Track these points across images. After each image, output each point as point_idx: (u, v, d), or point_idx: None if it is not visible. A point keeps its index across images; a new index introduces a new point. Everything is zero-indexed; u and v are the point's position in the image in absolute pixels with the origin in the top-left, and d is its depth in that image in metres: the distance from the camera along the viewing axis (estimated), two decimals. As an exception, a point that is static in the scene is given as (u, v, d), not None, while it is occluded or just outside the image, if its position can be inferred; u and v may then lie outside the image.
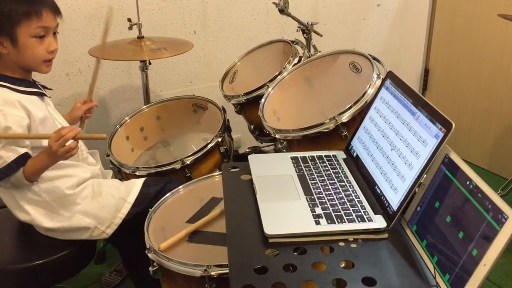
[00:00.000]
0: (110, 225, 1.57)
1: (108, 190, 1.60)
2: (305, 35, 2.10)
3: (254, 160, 1.23)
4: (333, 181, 1.14)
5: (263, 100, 1.80)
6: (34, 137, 1.44)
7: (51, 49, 1.43)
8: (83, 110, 1.69)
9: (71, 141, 1.38)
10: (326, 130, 1.52)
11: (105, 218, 1.56)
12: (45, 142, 1.42)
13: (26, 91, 1.44)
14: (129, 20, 2.07)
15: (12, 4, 1.34)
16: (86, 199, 1.55)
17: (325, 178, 1.15)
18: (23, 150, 1.40)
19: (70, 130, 1.38)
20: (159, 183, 1.64)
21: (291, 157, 1.25)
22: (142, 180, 1.67)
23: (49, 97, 1.55)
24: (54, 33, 1.45)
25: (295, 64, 1.89)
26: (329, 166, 1.21)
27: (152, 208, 1.46)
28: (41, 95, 1.50)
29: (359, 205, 1.05)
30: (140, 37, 2.05)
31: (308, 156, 1.26)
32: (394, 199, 1.00)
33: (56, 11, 1.43)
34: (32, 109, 1.41)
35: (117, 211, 1.58)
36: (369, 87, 1.53)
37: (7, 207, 1.54)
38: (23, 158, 1.40)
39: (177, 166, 1.73)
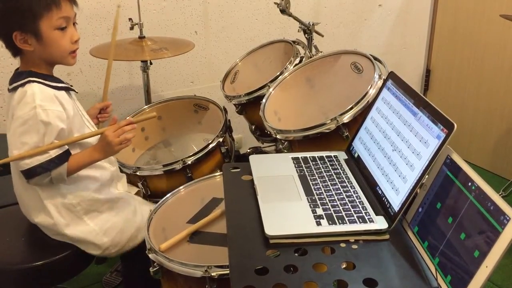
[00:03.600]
0: (120, 249, 1.59)
1: (129, 215, 1.60)
2: (306, 35, 2.10)
3: (255, 160, 1.23)
4: (334, 182, 1.14)
5: (264, 100, 1.80)
6: (89, 136, 1.46)
7: (75, 39, 1.42)
8: (97, 109, 1.69)
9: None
10: (327, 131, 1.51)
11: (119, 242, 1.57)
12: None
13: (57, 86, 1.43)
14: (131, 20, 2.07)
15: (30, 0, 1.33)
16: (109, 212, 1.55)
17: (326, 178, 1.15)
18: (65, 147, 1.41)
19: (126, 121, 1.44)
20: None
21: (292, 158, 1.25)
22: None
23: (77, 92, 1.54)
24: (73, 24, 1.44)
25: (296, 65, 1.89)
26: (330, 167, 1.21)
27: (153, 209, 1.45)
28: (68, 90, 1.48)
29: (360, 206, 1.04)
30: (142, 37, 2.05)
31: (309, 156, 1.26)
32: (396, 200, 1.00)
33: (73, 1, 1.42)
34: (65, 104, 1.41)
35: (130, 240, 1.59)
36: (370, 88, 1.53)
37: (8, 208, 1.54)
38: (66, 154, 1.41)
39: (178, 166, 1.73)
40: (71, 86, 1.51)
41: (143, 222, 1.61)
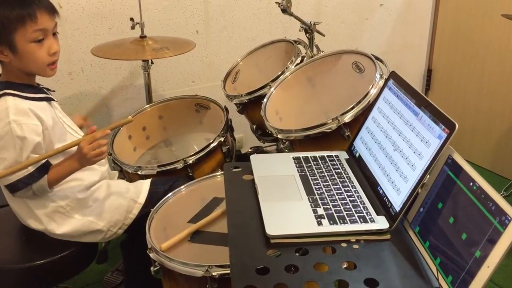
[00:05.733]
0: (122, 226, 1.59)
1: (118, 192, 1.60)
2: (307, 35, 2.10)
3: (256, 160, 1.23)
4: (335, 182, 1.14)
5: (265, 100, 1.80)
6: (65, 148, 1.42)
7: (53, 51, 1.39)
8: (79, 121, 1.67)
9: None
10: (328, 130, 1.51)
11: (117, 220, 1.57)
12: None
13: (35, 97, 1.41)
14: (132, 19, 2.06)
15: (4, 11, 1.29)
16: (97, 201, 1.55)
17: (327, 178, 1.15)
18: (44, 160, 1.39)
19: (101, 133, 1.40)
20: (167, 181, 1.65)
21: (293, 157, 1.25)
22: (149, 180, 1.68)
23: (56, 101, 1.52)
24: (54, 34, 1.40)
25: (297, 64, 1.89)
26: (331, 167, 1.20)
27: (154, 208, 1.45)
28: (49, 100, 1.47)
29: (361, 206, 1.04)
30: (143, 37, 2.05)
31: (310, 156, 1.25)
32: (397, 200, 0.99)
33: (52, 11, 1.37)
34: (43, 116, 1.39)
35: (128, 213, 1.59)
36: (371, 87, 1.53)
37: (8, 207, 1.54)
38: (45, 167, 1.40)
39: (179, 165, 1.73)
40: (51, 93, 1.50)
41: (137, 191, 1.62)
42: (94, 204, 1.55)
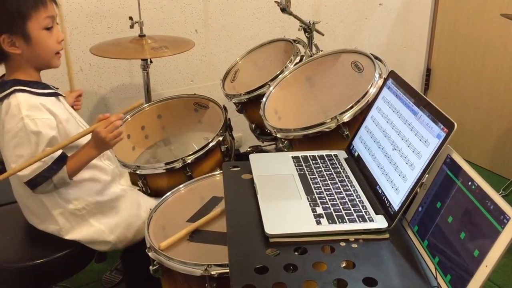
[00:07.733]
0: (128, 243, 1.60)
1: (134, 209, 1.61)
2: (307, 34, 2.10)
3: (255, 159, 1.23)
4: (334, 181, 1.14)
5: (264, 99, 1.80)
6: (80, 137, 1.41)
7: (60, 39, 1.42)
8: (73, 97, 1.66)
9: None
10: (327, 130, 1.51)
11: (126, 237, 1.58)
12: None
13: (45, 93, 1.41)
14: (131, 18, 2.06)
15: (19, 0, 1.32)
16: (113, 210, 1.56)
17: (326, 177, 1.15)
18: (59, 152, 1.39)
19: (115, 116, 1.42)
20: None
21: (292, 157, 1.25)
22: None
23: (64, 96, 1.53)
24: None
25: (296, 63, 1.89)
26: (330, 166, 1.20)
27: (153, 207, 1.45)
28: (57, 95, 1.47)
29: (360, 205, 1.04)
30: (142, 36, 2.05)
31: (309, 155, 1.25)
32: (396, 199, 1.00)
33: (55, 1, 1.42)
34: (55, 110, 1.40)
35: (137, 234, 1.60)
36: (371, 87, 1.53)
37: (8, 206, 1.54)
38: (62, 158, 1.40)
39: (178, 165, 1.73)
40: (57, 89, 1.50)
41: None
42: (110, 212, 1.55)
